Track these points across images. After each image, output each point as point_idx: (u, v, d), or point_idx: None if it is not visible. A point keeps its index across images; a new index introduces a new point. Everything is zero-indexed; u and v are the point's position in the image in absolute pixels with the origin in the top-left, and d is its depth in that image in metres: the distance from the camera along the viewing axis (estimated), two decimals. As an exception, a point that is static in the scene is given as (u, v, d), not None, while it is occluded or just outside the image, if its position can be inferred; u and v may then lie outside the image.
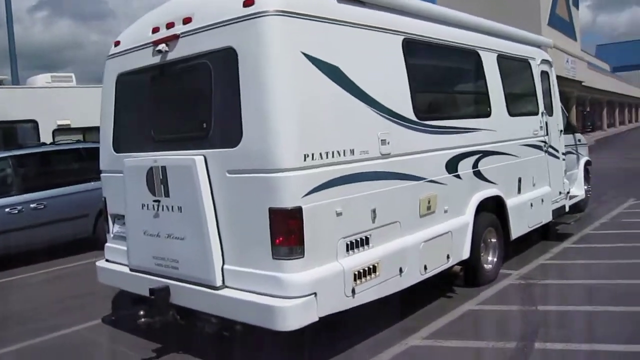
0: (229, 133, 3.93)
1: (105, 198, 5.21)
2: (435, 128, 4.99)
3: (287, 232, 3.69)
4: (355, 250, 4.09)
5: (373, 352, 4.26)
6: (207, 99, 4.07)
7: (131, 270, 4.76)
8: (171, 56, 4.32)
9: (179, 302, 4.27)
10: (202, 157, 4.00)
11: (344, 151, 4.01)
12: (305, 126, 3.76)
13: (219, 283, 3.99)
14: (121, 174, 4.80)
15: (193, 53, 4.16)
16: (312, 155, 3.78)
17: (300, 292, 3.68)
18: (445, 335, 4.54)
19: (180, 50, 4.24)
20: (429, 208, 4.85)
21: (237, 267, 3.94)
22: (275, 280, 3.73)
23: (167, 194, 4.26)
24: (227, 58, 3.89)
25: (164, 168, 4.25)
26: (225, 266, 4.00)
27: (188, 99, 4.43)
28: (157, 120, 4.59)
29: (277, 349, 4.36)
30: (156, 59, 4.45)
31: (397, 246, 4.45)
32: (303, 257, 3.73)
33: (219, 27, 3.96)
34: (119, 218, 5.08)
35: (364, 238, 4.17)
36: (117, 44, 4.98)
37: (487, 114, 5.88)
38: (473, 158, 5.52)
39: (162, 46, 4.32)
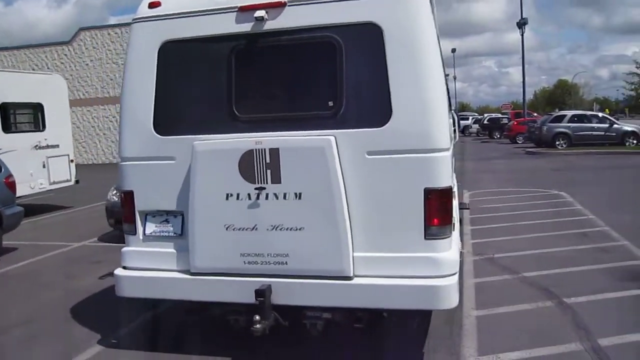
0: (370, 112, 3.73)
1: (129, 192, 4.22)
2: None
3: (443, 211, 3.71)
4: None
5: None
6: (334, 75, 3.76)
7: (194, 274, 4.01)
8: (272, 25, 3.82)
9: (285, 301, 3.82)
10: (333, 138, 3.70)
11: None
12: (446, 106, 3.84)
13: (351, 273, 3.74)
14: (168, 161, 4.05)
15: (312, 24, 3.78)
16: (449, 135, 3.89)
17: (453, 270, 3.74)
18: None
19: (287, 20, 3.80)
20: None
21: (369, 254, 3.75)
22: (428, 261, 3.70)
23: (276, 180, 3.77)
24: (366, 33, 3.69)
25: (274, 150, 3.75)
26: (355, 254, 3.77)
27: (301, 75, 3.97)
28: (246, 97, 3.97)
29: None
30: (245, 27, 3.88)
31: None
32: (451, 235, 3.80)
33: (349, 0, 3.72)
34: (158, 215, 4.20)
35: None
36: (155, 4, 4.11)
37: None
38: None
39: (261, 13, 3.80)
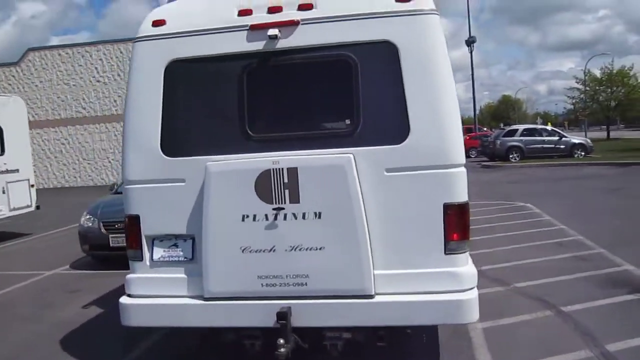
0: (388, 129, 3.74)
1: (135, 216, 4.06)
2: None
3: (462, 226, 3.75)
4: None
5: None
6: (350, 93, 3.76)
7: (208, 299, 3.88)
8: (285, 44, 3.80)
9: (305, 323, 3.75)
10: (351, 156, 3.69)
11: None
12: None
13: (373, 291, 3.71)
14: (178, 183, 3.93)
15: (326, 43, 3.78)
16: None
17: (472, 284, 3.77)
18: None
19: (301, 38, 3.78)
20: None
21: (390, 271, 3.74)
22: (449, 276, 3.72)
23: (295, 200, 3.71)
24: (382, 52, 3.72)
25: (293, 170, 3.70)
26: (376, 271, 3.75)
27: (316, 93, 3.95)
28: (259, 116, 3.91)
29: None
30: (257, 46, 3.84)
31: None
32: (468, 250, 3.84)
33: (364, 19, 3.74)
34: (166, 239, 4.05)
35: None
36: (160, 23, 4.01)
37: None
38: None
39: (274, 31, 3.77)
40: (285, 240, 3.75)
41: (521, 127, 29.13)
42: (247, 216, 3.78)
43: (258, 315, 3.80)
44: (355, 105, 3.75)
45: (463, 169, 3.76)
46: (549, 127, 30.83)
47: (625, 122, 74.61)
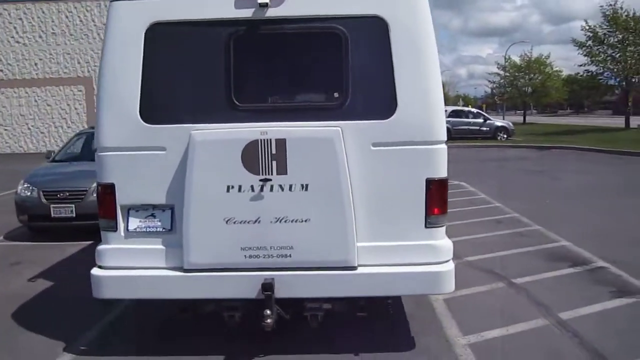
0: (376, 104, 3.79)
1: (110, 184, 3.87)
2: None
3: (442, 201, 3.89)
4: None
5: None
6: (339, 66, 3.76)
7: (188, 271, 3.80)
8: (275, 13, 3.72)
9: (288, 294, 3.78)
10: (339, 129, 3.71)
11: None
12: None
13: (356, 263, 3.80)
14: (157, 151, 3.80)
15: (316, 14, 3.74)
16: None
17: (449, 256, 3.95)
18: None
19: (291, 8, 3.71)
20: None
21: (372, 243, 3.83)
22: (429, 248, 3.87)
23: (282, 172, 3.69)
24: (372, 26, 3.74)
25: (281, 141, 3.67)
26: (359, 244, 3.83)
27: (306, 66, 3.90)
28: (245, 85, 3.82)
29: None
30: (246, 13, 3.73)
31: None
32: (445, 224, 4.00)
33: (355, -8, 3.74)
34: (142, 209, 3.91)
35: None
36: (139, -18, 3.80)
37: None
38: None
39: (262, 0, 3.69)
40: (270, 211, 3.74)
41: (449, 108, 30.17)
42: (232, 187, 3.72)
43: (241, 286, 3.78)
44: (344, 79, 3.76)
45: (444, 146, 3.89)
46: (474, 110, 32.20)
47: (538, 108, 79.39)
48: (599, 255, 6.33)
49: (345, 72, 3.75)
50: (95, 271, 3.93)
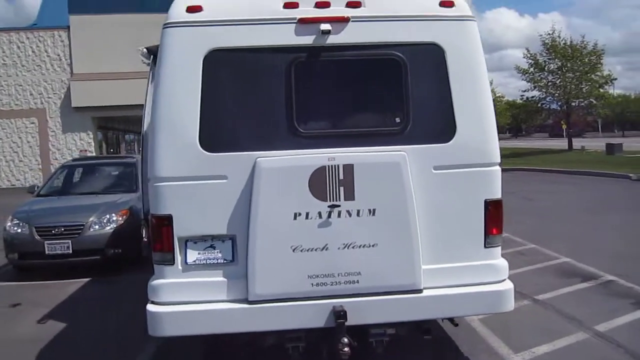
0: (437, 128, 3.87)
1: (167, 216, 3.72)
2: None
3: (499, 221, 3.98)
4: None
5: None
6: (400, 92, 3.82)
7: (253, 302, 3.69)
8: (335, 40, 3.75)
9: (357, 321, 3.70)
10: (405, 153, 3.75)
11: None
12: None
13: (422, 286, 3.81)
14: (219, 180, 3.71)
15: (375, 42, 3.80)
16: None
17: (506, 275, 4.02)
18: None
19: (351, 35, 3.76)
20: None
21: (435, 265, 3.85)
22: (489, 268, 3.94)
23: (350, 197, 3.68)
24: (430, 53, 3.84)
25: (349, 167, 3.66)
26: (423, 267, 3.84)
27: (368, 91, 3.92)
28: (307, 111, 3.79)
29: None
30: (307, 40, 3.74)
31: None
32: (501, 244, 4.08)
33: (412, 20, 3.83)
34: (200, 241, 3.77)
35: None
36: (195, 9, 3.73)
37: None
38: None
39: (326, 26, 3.72)
40: (338, 238, 3.70)
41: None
42: (300, 214, 3.67)
43: (308, 316, 3.70)
44: (405, 104, 3.82)
45: (499, 168, 3.99)
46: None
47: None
48: (604, 270, 6.60)
49: (406, 97, 3.82)
50: (152, 307, 3.74)
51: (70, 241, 7.02)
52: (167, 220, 3.73)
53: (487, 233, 3.93)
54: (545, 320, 5.07)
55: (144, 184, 4.94)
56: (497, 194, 3.96)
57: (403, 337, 4.01)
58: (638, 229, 9.36)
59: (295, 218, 3.67)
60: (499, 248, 4.03)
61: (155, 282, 3.79)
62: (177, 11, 3.77)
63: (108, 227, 7.24)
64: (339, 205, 3.68)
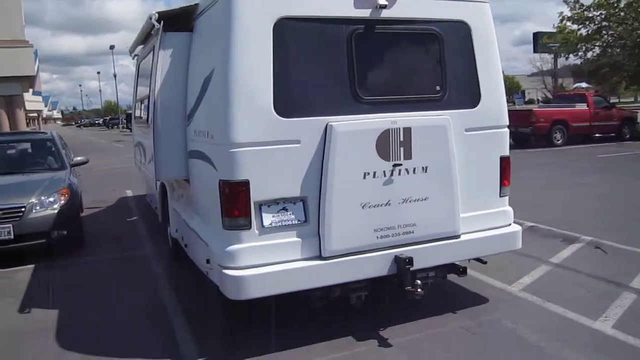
0: (466, 96, 4.45)
1: (244, 182, 3.78)
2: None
3: (509, 174, 4.73)
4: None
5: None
6: (439, 63, 4.32)
7: (326, 258, 3.96)
8: (387, 14, 4.10)
9: (416, 265, 4.20)
10: (449, 117, 4.27)
11: None
12: None
13: (460, 232, 4.42)
14: (292, 145, 3.90)
15: (419, 17, 4.24)
16: None
17: (513, 218, 4.81)
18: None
19: (400, 11, 4.14)
20: None
21: (466, 214, 4.46)
22: (503, 214, 4.71)
23: (408, 157, 4.11)
24: (460, 30, 4.40)
25: (407, 130, 4.08)
26: (460, 215, 4.45)
27: (415, 62, 4.33)
28: (365, 79, 4.09)
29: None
30: (364, 13, 4.04)
31: None
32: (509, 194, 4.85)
33: (445, 0, 4.34)
34: (273, 204, 3.90)
35: None
36: (262, -22, 3.79)
37: None
38: None
39: (382, 1, 4.04)
40: (398, 193, 4.13)
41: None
42: (368, 173, 4.02)
43: (376, 266, 4.10)
44: (443, 73, 4.34)
45: (508, 129, 4.73)
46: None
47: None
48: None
49: (444, 68, 4.34)
50: (233, 272, 3.81)
51: (11, 225, 6.28)
52: (245, 186, 3.81)
53: (502, 185, 4.66)
54: (512, 261, 5.95)
55: (157, 154, 4.82)
56: (508, 152, 4.70)
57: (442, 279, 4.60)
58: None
59: (364, 177, 4.01)
60: (508, 197, 4.78)
61: (232, 247, 3.85)
62: (244, -22, 3.78)
63: (51, 208, 6.60)
64: (400, 164, 4.09)
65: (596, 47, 21.99)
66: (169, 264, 6.38)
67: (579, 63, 25.09)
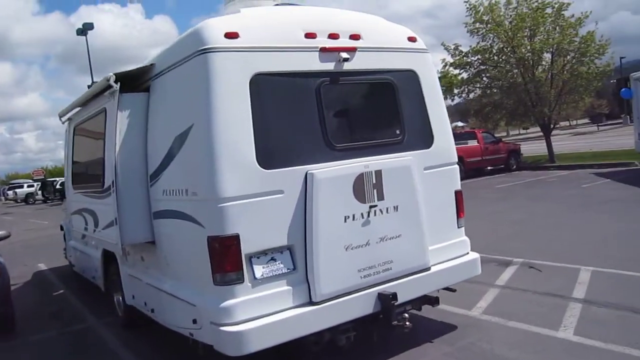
0: (421, 137, 4.83)
1: (234, 236, 3.79)
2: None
3: (463, 207, 5.14)
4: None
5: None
6: (396, 109, 4.68)
7: (317, 303, 4.04)
8: (349, 66, 4.41)
9: (399, 300, 4.39)
10: (412, 158, 4.60)
11: None
12: None
13: (430, 264, 4.70)
14: (276, 195, 4.02)
15: (376, 68, 4.59)
16: None
17: (469, 247, 5.21)
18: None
19: (360, 63, 4.47)
20: None
21: (432, 246, 4.77)
22: (462, 243, 5.10)
23: (381, 197, 4.36)
24: (410, 78, 4.83)
25: (378, 172, 4.34)
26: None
27: (376, 109, 4.62)
28: (335, 128, 4.32)
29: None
30: (328, 66, 4.32)
31: None
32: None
33: (396, 51, 4.76)
34: (262, 255, 3.94)
35: None
36: (233, 35, 3.94)
37: None
38: None
39: (344, 55, 4.34)
40: (375, 233, 4.36)
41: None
42: (348, 216, 4.22)
43: (363, 305, 4.26)
44: (401, 119, 4.71)
45: (457, 165, 5.17)
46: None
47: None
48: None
49: (401, 113, 4.72)
50: (230, 328, 3.76)
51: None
52: (235, 240, 3.84)
53: (459, 216, 5.06)
54: (462, 287, 6.22)
55: (122, 218, 4.68)
56: (460, 186, 5.12)
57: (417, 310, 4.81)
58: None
59: (345, 220, 4.19)
60: (464, 228, 5.17)
61: (227, 303, 3.82)
62: (215, 36, 3.94)
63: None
64: (375, 205, 4.34)
65: (477, 88, 24.32)
66: (120, 332, 6.02)
67: (464, 103, 27.66)
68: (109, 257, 6.20)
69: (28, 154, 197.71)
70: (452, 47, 23.11)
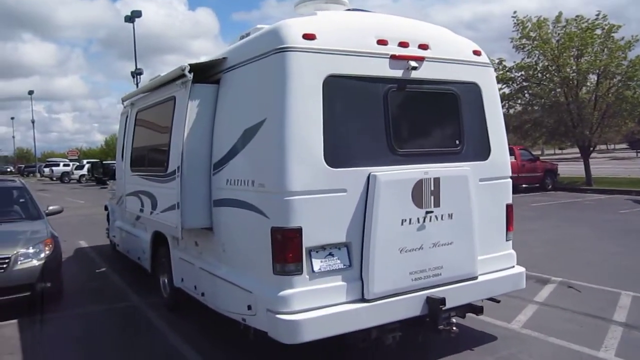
0: (479, 149, 4.93)
1: (297, 229, 3.95)
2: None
3: (512, 220, 5.21)
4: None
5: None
6: (457, 120, 4.80)
7: (369, 301, 4.18)
8: (417, 75, 4.54)
9: (447, 305, 4.49)
10: (470, 168, 4.70)
11: None
12: None
13: (478, 273, 4.79)
14: (340, 193, 4.17)
15: (442, 78, 4.71)
16: None
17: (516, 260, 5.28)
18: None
19: (427, 72, 4.60)
20: None
21: (481, 257, 4.86)
22: (509, 256, 5.17)
23: (437, 204, 4.47)
24: (472, 91, 4.93)
25: (437, 179, 4.45)
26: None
27: (438, 118, 4.75)
28: (399, 133, 4.46)
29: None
30: (397, 73, 4.45)
31: None
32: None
33: (461, 64, 4.87)
34: (321, 250, 4.10)
35: None
36: (311, 36, 4.11)
37: None
38: None
39: (412, 63, 4.47)
40: (429, 238, 4.47)
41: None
42: (405, 220, 4.34)
43: (412, 306, 4.37)
44: (461, 130, 4.82)
45: (511, 179, 5.25)
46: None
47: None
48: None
49: (462, 124, 4.82)
50: (286, 317, 3.92)
51: (-5, 278, 5.94)
52: (298, 232, 3.99)
53: (507, 230, 5.13)
54: (501, 301, 6.39)
55: (184, 202, 4.89)
56: (511, 199, 5.20)
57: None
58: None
59: (402, 224, 4.31)
60: (512, 241, 5.25)
61: (285, 292, 3.98)
62: (293, 37, 4.09)
63: (37, 259, 6.30)
64: (432, 211, 4.45)
65: (518, 104, 24.11)
66: (165, 313, 6.25)
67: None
68: (159, 240, 6.44)
69: (64, 134, 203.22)
70: (497, 61, 22.97)
